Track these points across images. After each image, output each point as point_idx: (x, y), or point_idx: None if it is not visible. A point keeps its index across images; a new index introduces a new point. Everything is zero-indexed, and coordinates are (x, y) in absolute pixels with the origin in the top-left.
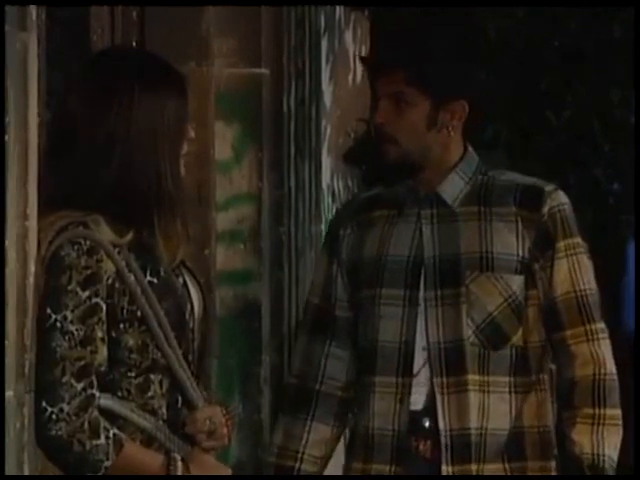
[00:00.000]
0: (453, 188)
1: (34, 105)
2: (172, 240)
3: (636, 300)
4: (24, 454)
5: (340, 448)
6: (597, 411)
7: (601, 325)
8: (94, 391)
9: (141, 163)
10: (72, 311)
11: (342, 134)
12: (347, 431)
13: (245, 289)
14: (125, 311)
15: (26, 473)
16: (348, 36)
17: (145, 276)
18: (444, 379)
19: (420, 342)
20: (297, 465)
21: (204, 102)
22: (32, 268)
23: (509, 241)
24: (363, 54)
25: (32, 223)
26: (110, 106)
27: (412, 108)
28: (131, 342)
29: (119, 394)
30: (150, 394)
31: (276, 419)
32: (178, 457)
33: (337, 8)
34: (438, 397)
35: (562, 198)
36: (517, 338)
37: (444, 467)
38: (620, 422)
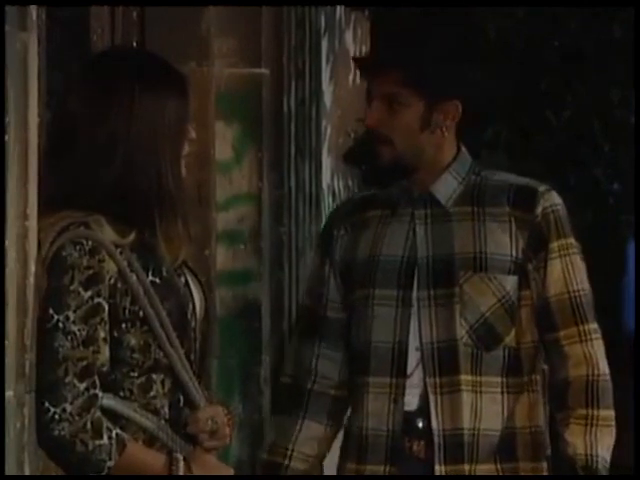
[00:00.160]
0: (446, 188)
1: (34, 105)
2: (174, 240)
3: (636, 300)
4: (24, 454)
5: (335, 448)
6: (590, 412)
7: (594, 326)
8: (97, 391)
9: (142, 163)
10: (74, 311)
11: (342, 134)
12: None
13: (245, 289)
14: (127, 311)
15: (27, 473)
16: (348, 36)
17: (147, 276)
18: (437, 379)
19: (413, 342)
20: (286, 462)
21: (204, 102)
22: (32, 268)
23: (502, 241)
24: (357, 55)
25: (32, 223)
26: (110, 106)
27: (406, 109)
28: (133, 342)
29: (121, 394)
30: (152, 394)
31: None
32: (180, 457)
33: (337, 8)
34: (431, 397)
35: (555, 199)
36: (510, 339)
37: (437, 467)
38: (613, 423)
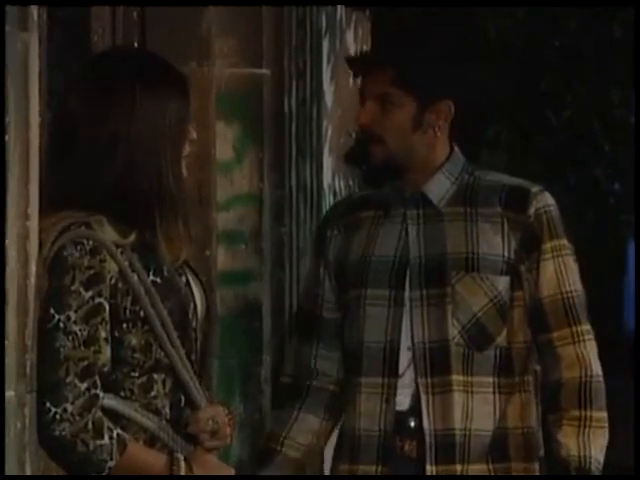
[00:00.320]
0: (439, 188)
1: (35, 105)
2: (174, 240)
3: (636, 300)
4: (25, 454)
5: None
6: (583, 413)
7: (587, 327)
8: (98, 391)
9: (142, 163)
10: (75, 311)
11: (343, 134)
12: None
13: (246, 289)
14: (128, 311)
15: (28, 473)
16: (349, 36)
17: (148, 276)
18: (429, 379)
19: (405, 342)
20: (278, 448)
21: (205, 102)
22: (33, 268)
23: (495, 242)
24: (350, 55)
25: (33, 223)
26: (111, 106)
27: (398, 109)
28: (134, 342)
29: (122, 394)
30: (153, 394)
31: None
32: (181, 457)
33: (338, 8)
34: (423, 397)
35: (548, 199)
36: (501, 339)
37: (428, 467)
38: (606, 424)
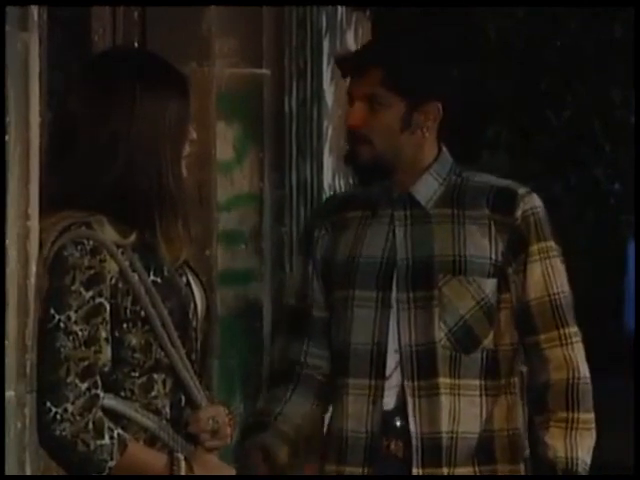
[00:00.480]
0: (427, 189)
1: (35, 105)
2: (174, 241)
3: (636, 300)
4: (25, 454)
5: None
6: (571, 415)
7: (574, 329)
8: (98, 391)
9: (143, 163)
10: (76, 311)
11: (343, 134)
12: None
13: (246, 289)
14: (129, 311)
15: (28, 473)
16: (350, 36)
17: (149, 276)
18: (415, 382)
19: (392, 345)
20: (272, 419)
21: (205, 102)
22: (33, 268)
23: (482, 244)
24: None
25: (33, 223)
26: (111, 106)
27: (386, 109)
28: (134, 342)
29: (122, 394)
30: (153, 394)
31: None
32: (181, 457)
33: (339, 8)
34: (409, 400)
35: (536, 201)
36: (488, 341)
37: (415, 470)
38: (593, 426)
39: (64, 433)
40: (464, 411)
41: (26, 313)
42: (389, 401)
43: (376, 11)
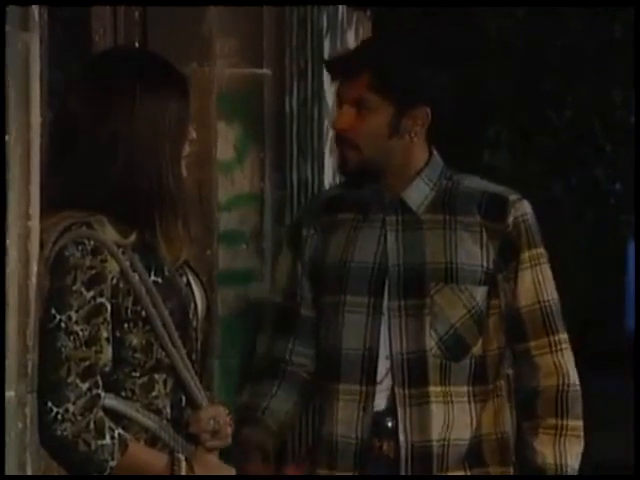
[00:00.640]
0: (418, 194)
1: (36, 105)
2: (174, 241)
3: (636, 300)
4: (26, 454)
5: None
6: (560, 422)
7: (564, 335)
8: (99, 391)
9: (143, 163)
10: (77, 311)
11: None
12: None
13: (247, 289)
14: (129, 311)
15: (29, 473)
16: (350, 36)
17: (149, 276)
18: (406, 390)
19: (384, 351)
20: (260, 414)
21: (206, 102)
22: (34, 268)
23: (473, 252)
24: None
25: (34, 223)
26: (111, 106)
27: (374, 114)
28: (135, 342)
29: (123, 394)
30: (154, 394)
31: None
32: (182, 457)
33: (339, 8)
34: (400, 410)
35: (526, 208)
36: (477, 348)
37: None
38: (582, 433)
39: (65, 433)
40: (456, 418)
41: (27, 313)
42: (380, 403)
43: (377, 11)
